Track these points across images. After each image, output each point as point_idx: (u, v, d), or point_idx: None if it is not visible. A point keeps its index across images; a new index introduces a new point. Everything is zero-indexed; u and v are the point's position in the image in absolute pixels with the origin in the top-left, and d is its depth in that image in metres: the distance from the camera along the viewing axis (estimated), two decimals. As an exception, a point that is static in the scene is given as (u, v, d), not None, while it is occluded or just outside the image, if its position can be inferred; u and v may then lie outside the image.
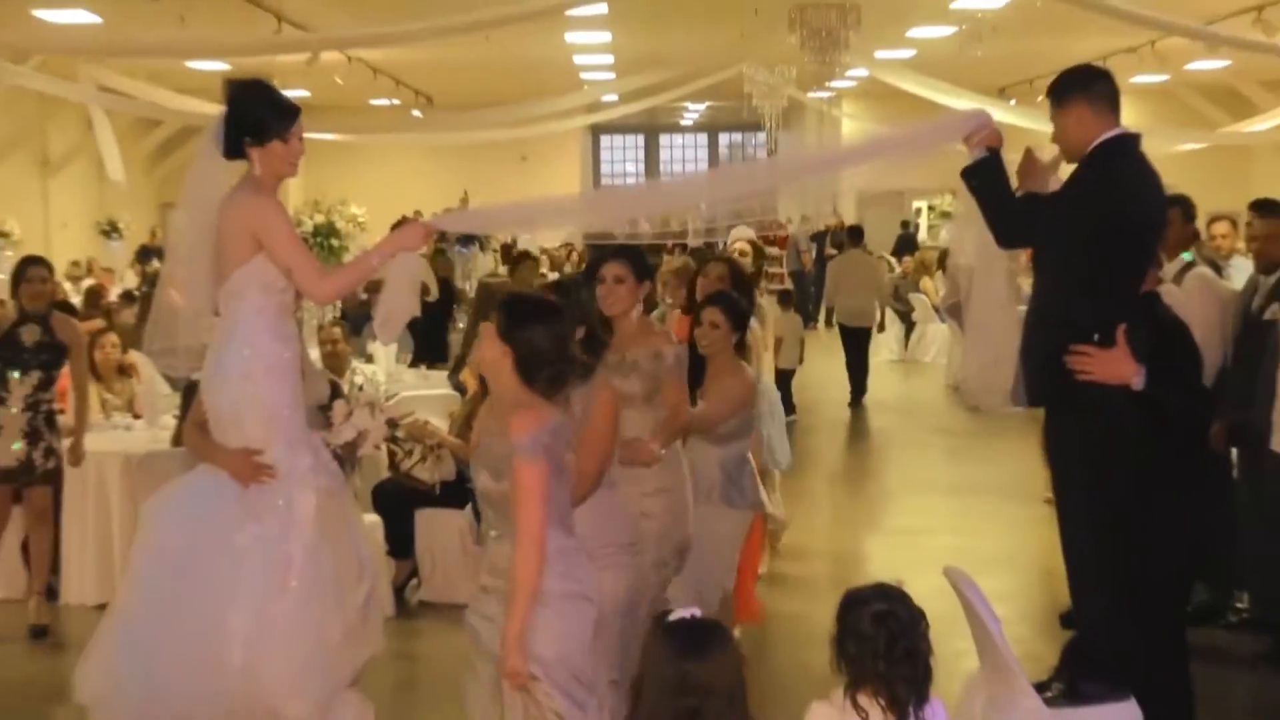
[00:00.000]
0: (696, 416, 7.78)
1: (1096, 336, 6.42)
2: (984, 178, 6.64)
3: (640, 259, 7.44)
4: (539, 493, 5.28)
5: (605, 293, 7.17)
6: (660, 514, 7.13)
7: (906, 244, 33.48)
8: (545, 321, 5.54)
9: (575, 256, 28.73)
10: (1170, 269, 9.55)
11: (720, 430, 8.04)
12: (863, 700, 4.49)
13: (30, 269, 10.38)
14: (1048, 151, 7.03)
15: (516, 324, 5.50)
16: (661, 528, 7.12)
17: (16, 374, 10.00)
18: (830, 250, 29.65)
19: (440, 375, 14.77)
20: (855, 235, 24.01)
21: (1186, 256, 9.86)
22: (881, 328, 24.34)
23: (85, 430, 10.52)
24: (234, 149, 6.34)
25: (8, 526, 10.46)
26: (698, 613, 4.45)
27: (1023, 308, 7.15)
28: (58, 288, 19.64)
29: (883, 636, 4.48)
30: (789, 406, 18.08)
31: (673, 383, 7.27)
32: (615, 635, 6.20)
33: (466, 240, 24.67)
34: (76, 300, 18.11)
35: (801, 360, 19.17)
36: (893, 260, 30.82)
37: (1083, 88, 6.72)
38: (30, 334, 10.07)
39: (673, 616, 4.43)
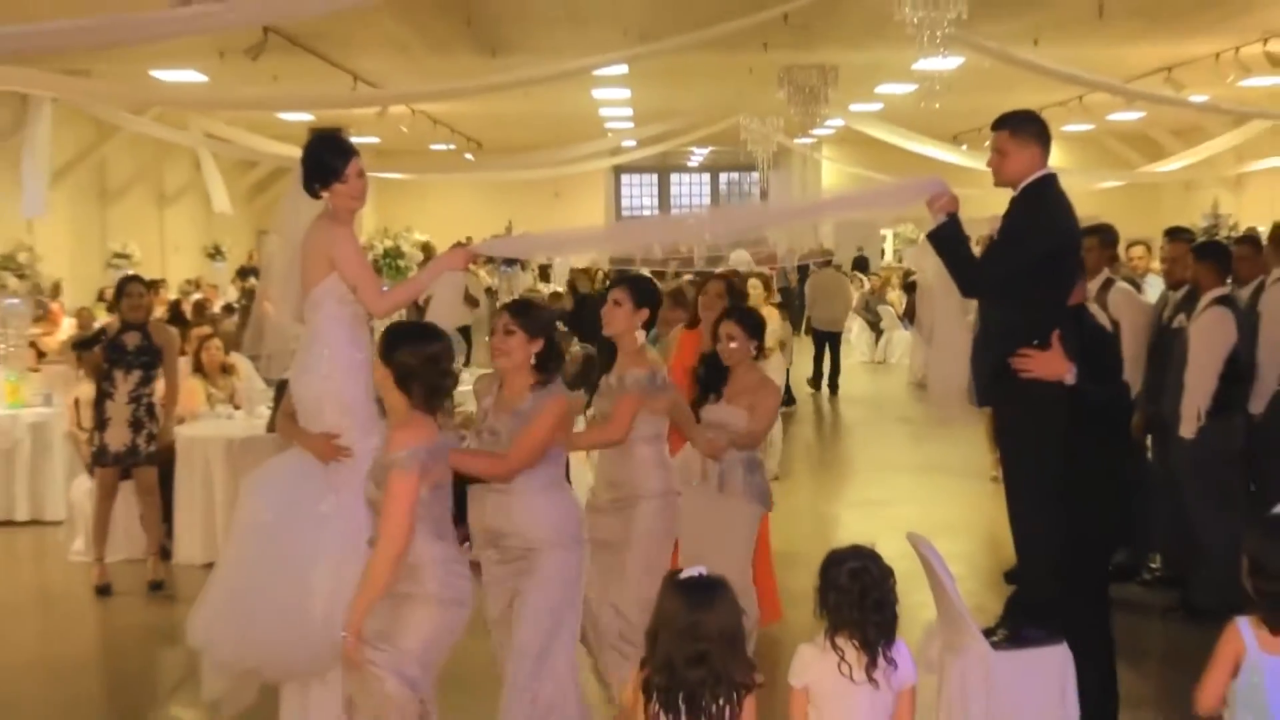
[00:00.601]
0: (747, 434, 7.44)
1: (1035, 342, 6.41)
2: (948, 241, 6.58)
3: (643, 287, 7.08)
4: (407, 502, 5.08)
5: (605, 313, 6.92)
6: (645, 517, 6.79)
7: (860, 264, 33.42)
8: (412, 343, 5.32)
9: (601, 275, 28.72)
10: (1091, 286, 9.55)
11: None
12: (840, 641, 4.49)
13: (129, 285, 10.52)
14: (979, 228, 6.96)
15: (389, 347, 5.33)
16: (665, 525, 6.86)
17: (121, 373, 10.08)
18: (813, 269, 29.70)
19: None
20: (823, 256, 24.15)
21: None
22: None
23: (174, 418, 10.68)
24: (311, 191, 6.35)
25: (129, 501, 10.54)
26: (704, 571, 4.44)
27: (971, 316, 7.13)
28: (183, 300, 19.77)
29: (857, 589, 4.47)
30: (788, 398, 18.17)
31: (623, 402, 6.74)
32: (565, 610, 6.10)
33: (510, 261, 24.73)
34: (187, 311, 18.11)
35: (791, 361, 19.25)
36: (863, 278, 30.79)
37: (1039, 130, 6.65)
38: (132, 339, 10.16)
39: (683, 575, 4.42)
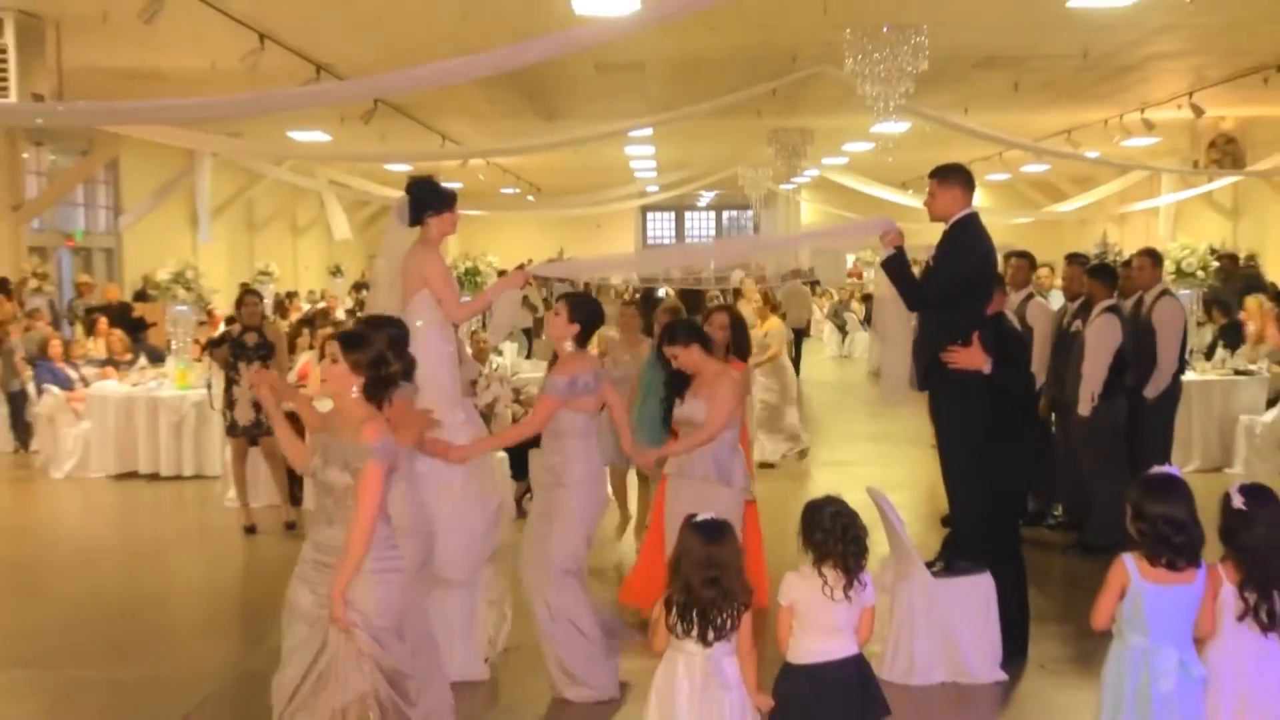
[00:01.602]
0: (707, 426, 6.47)
1: (960, 341, 6.41)
2: (896, 268, 6.57)
3: (580, 303, 6.36)
4: (379, 489, 4.59)
5: (547, 319, 6.47)
6: (567, 501, 6.14)
7: (812, 282, 33.18)
8: (356, 350, 4.95)
9: (630, 289, 28.64)
10: (1015, 298, 9.57)
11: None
12: (824, 569, 4.49)
13: (246, 297, 10.69)
14: (919, 253, 6.93)
15: (345, 348, 4.98)
16: (580, 509, 6.16)
17: (244, 364, 10.16)
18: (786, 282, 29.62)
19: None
20: (795, 272, 24.19)
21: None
22: (808, 333, 24.11)
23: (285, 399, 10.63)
24: (415, 219, 6.39)
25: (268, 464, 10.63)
26: (715, 515, 4.46)
27: (913, 322, 7.11)
28: (312, 308, 19.76)
29: (839, 527, 4.48)
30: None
31: (541, 402, 6.21)
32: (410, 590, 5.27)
33: (561, 280, 24.73)
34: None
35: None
36: (832, 291, 30.67)
37: (961, 176, 6.65)
38: (251, 338, 10.25)
39: (698, 519, 4.44)
